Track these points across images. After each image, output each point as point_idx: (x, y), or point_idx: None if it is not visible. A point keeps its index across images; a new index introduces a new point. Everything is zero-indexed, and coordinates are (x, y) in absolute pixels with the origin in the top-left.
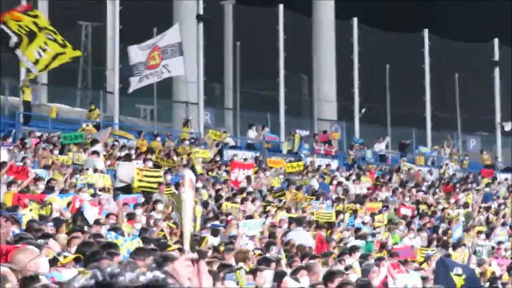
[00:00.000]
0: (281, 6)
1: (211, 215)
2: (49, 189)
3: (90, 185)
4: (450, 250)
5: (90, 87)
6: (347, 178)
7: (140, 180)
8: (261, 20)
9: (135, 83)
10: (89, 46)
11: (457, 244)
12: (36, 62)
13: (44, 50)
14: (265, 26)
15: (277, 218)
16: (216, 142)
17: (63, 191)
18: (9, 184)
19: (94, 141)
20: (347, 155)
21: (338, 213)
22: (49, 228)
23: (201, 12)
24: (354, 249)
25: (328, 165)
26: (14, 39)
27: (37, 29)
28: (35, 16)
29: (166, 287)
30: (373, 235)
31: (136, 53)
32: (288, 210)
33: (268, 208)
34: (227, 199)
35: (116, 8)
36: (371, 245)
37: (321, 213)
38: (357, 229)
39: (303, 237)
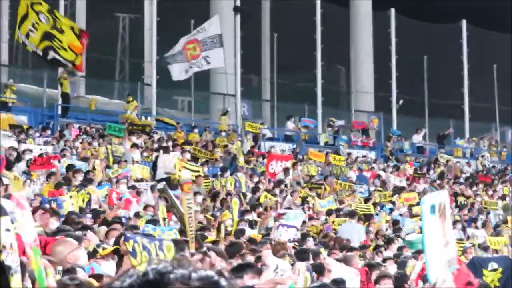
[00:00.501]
0: None
1: (248, 207)
2: (88, 180)
3: (127, 177)
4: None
5: (128, 79)
6: (385, 170)
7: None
8: (298, 11)
9: (177, 72)
10: (127, 38)
11: (496, 234)
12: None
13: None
14: (302, 17)
15: (315, 210)
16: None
17: (100, 183)
18: (48, 176)
19: (131, 133)
20: (385, 147)
21: (375, 205)
22: (88, 219)
23: (238, 3)
24: (390, 241)
25: (364, 156)
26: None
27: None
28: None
29: (219, 285)
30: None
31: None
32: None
33: (308, 199)
34: (266, 191)
35: (153, 0)
36: None
37: (359, 205)
38: (395, 221)
39: (355, 230)
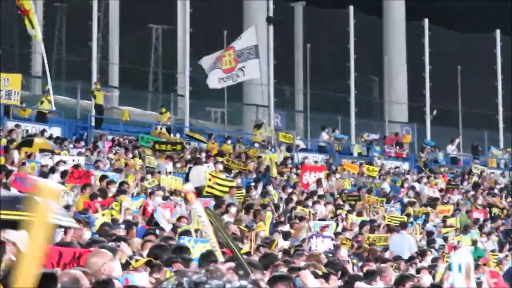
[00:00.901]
0: (351, 8)
1: (282, 218)
2: (121, 192)
3: (161, 188)
4: None
5: (161, 90)
6: (418, 181)
7: (210, 186)
8: (331, 21)
9: (214, 81)
10: (160, 48)
11: None
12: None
13: None
14: (335, 27)
15: (348, 221)
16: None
17: (134, 195)
18: (83, 187)
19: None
20: (418, 158)
21: (409, 216)
22: (121, 231)
23: (271, 14)
24: (425, 252)
25: (397, 167)
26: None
27: None
28: None
29: None
30: (445, 239)
31: (211, 59)
32: (359, 213)
33: (339, 211)
34: (298, 202)
35: (186, 11)
36: (481, 252)
37: (393, 216)
38: (429, 233)
39: (406, 241)
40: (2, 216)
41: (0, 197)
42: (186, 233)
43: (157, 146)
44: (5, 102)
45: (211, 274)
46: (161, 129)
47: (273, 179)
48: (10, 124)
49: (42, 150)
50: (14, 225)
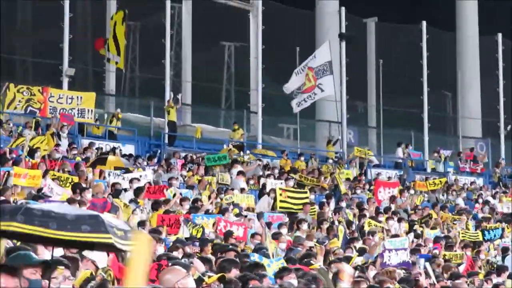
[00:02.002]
0: (424, 23)
1: (355, 234)
2: (194, 209)
3: (235, 205)
4: None
5: (234, 107)
6: (493, 197)
7: (282, 201)
8: (404, 36)
9: (295, 107)
10: (232, 66)
11: None
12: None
13: None
14: (407, 43)
15: (423, 237)
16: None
17: (208, 212)
18: (154, 205)
19: (235, 162)
20: (493, 173)
21: (484, 232)
22: (195, 248)
23: (343, 30)
24: (502, 268)
25: (473, 183)
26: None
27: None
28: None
29: None
30: None
31: (292, 82)
32: (434, 229)
33: (415, 227)
34: (371, 218)
35: (258, 27)
36: None
37: (468, 232)
38: (504, 249)
39: None
40: (68, 238)
41: (67, 218)
42: (260, 250)
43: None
44: (79, 120)
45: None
46: (233, 145)
47: (345, 196)
48: (84, 142)
49: (116, 168)
50: (91, 246)
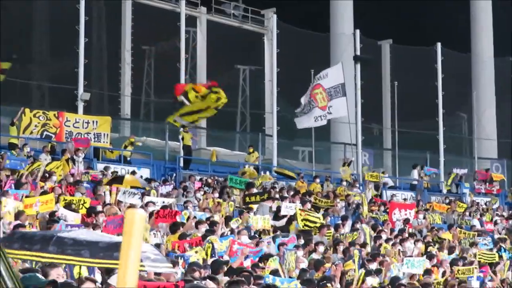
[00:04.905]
0: (439, 44)
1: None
2: (210, 232)
3: (247, 228)
4: None
5: (249, 130)
6: (510, 217)
7: (304, 219)
8: (419, 58)
9: (305, 121)
10: (247, 89)
11: None
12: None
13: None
14: (422, 65)
15: (439, 258)
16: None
17: (223, 235)
18: (172, 227)
19: (250, 185)
20: (509, 194)
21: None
22: (206, 271)
23: (358, 52)
24: None
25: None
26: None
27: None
28: (216, 92)
29: None
30: None
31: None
32: (450, 250)
33: (429, 248)
34: (387, 240)
35: (273, 51)
36: None
37: (484, 253)
38: None
39: None
40: (102, 266)
41: (99, 245)
42: (274, 272)
43: (247, 199)
44: (95, 144)
45: None
46: (248, 167)
47: (362, 217)
48: (100, 166)
49: (132, 187)
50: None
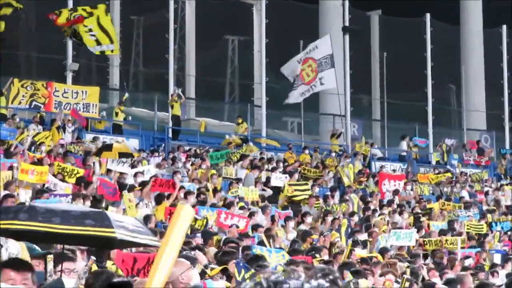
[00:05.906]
0: (428, 15)
1: (358, 227)
2: (200, 203)
3: (240, 199)
4: None
5: (238, 101)
6: (498, 189)
7: (291, 196)
8: (408, 30)
9: (293, 97)
10: (236, 60)
11: None
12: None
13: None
14: (411, 36)
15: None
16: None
17: (213, 205)
18: (157, 198)
19: (243, 156)
20: (499, 165)
21: (489, 224)
22: (198, 240)
23: (347, 23)
24: (507, 260)
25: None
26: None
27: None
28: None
29: None
30: None
31: (291, 67)
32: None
33: (422, 219)
34: (375, 211)
35: (262, 21)
36: None
37: (472, 224)
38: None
39: None
40: (72, 232)
41: (71, 213)
42: (262, 243)
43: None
44: (84, 114)
45: (289, 274)
46: (230, 137)
47: (348, 188)
48: (89, 137)
49: (121, 155)
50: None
